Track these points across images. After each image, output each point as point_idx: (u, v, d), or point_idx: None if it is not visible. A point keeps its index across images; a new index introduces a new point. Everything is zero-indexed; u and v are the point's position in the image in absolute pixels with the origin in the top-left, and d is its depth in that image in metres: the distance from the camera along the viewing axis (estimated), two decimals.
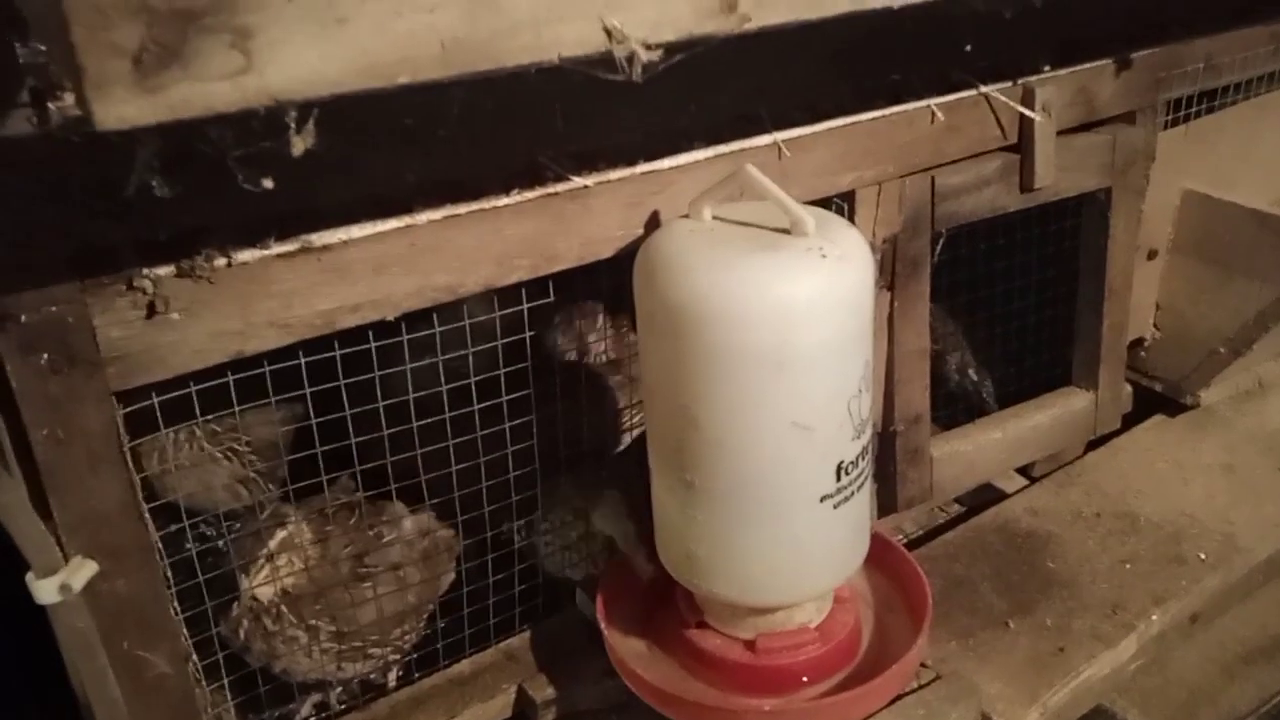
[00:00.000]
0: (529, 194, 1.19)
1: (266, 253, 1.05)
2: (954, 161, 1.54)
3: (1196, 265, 1.93)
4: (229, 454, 1.40)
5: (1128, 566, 1.64)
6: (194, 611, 1.21)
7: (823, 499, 1.20)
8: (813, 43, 1.08)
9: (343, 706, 1.43)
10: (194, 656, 1.19)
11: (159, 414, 1.11)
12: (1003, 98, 1.54)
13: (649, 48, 0.84)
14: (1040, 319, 1.89)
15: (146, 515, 1.09)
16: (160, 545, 1.12)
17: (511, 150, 1.16)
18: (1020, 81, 1.56)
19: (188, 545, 1.23)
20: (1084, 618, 1.54)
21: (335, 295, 1.10)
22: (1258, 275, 1.85)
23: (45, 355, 0.96)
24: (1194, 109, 1.84)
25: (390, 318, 1.15)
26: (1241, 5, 1.81)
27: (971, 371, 1.93)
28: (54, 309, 0.96)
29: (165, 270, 1.00)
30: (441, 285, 1.17)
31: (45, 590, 1.01)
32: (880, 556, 1.43)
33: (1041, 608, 1.56)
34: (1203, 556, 1.65)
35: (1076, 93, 1.64)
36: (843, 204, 1.46)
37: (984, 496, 1.85)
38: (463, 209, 1.15)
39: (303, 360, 1.15)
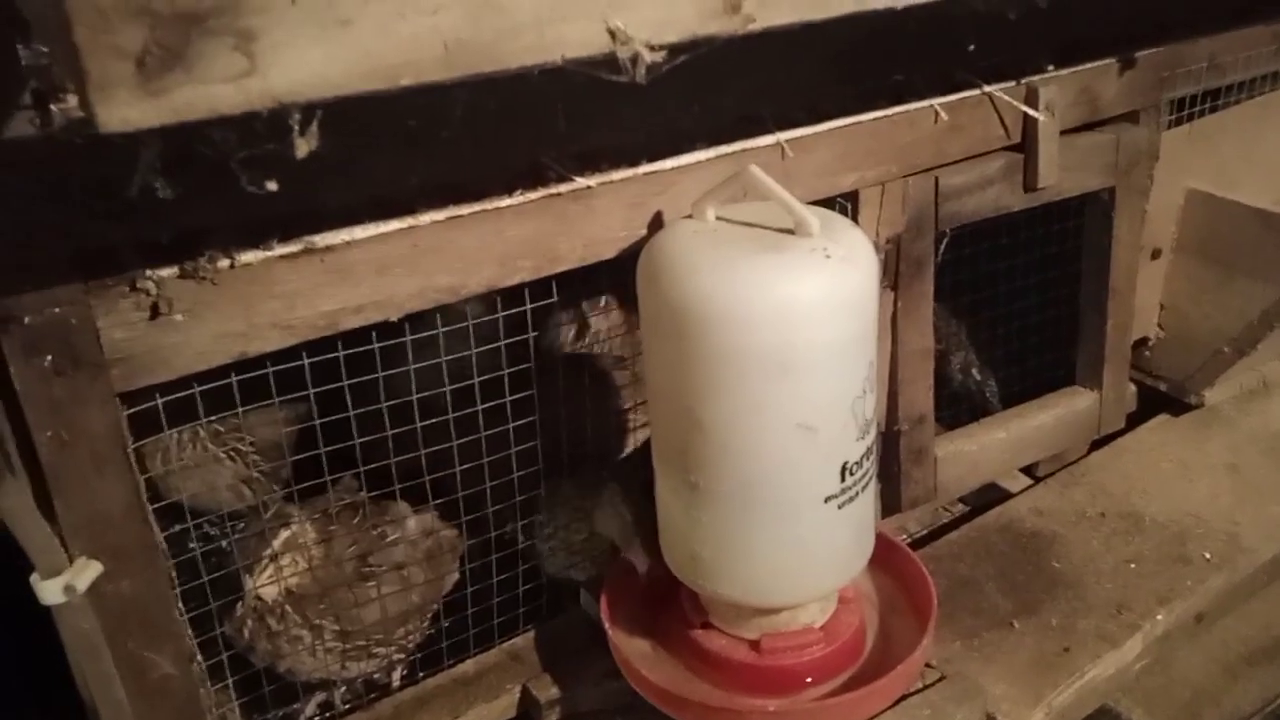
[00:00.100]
0: (531, 195, 1.19)
1: (269, 254, 1.05)
2: (957, 161, 1.54)
3: (1200, 265, 1.92)
4: (232, 454, 1.40)
5: (1132, 566, 1.63)
6: (198, 612, 1.21)
7: (827, 499, 1.20)
8: (816, 43, 1.07)
9: (347, 706, 1.43)
10: (198, 657, 1.19)
11: (163, 415, 1.11)
12: (1006, 97, 1.54)
13: (653, 49, 0.84)
14: (1044, 319, 1.89)
15: (151, 516, 1.09)
16: (165, 546, 1.12)
17: (514, 151, 1.16)
18: (1024, 81, 1.56)
19: (191, 546, 1.24)
20: (1089, 618, 1.53)
21: (338, 296, 1.10)
22: (1261, 275, 1.85)
23: (49, 357, 0.97)
24: (1197, 108, 1.84)
25: (393, 319, 1.15)
26: (1245, 5, 1.80)
27: (975, 371, 1.92)
28: (57, 311, 0.96)
29: (168, 271, 1.01)
30: (444, 286, 1.17)
31: (50, 591, 1.01)
32: (885, 557, 1.43)
33: (1046, 608, 1.55)
34: (1208, 556, 1.65)
35: (1080, 92, 1.63)
36: (846, 204, 1.46)
37: (988, 496, 1.85)
38: (465, 210, 1.15)
39: (306, 361, 1.15)
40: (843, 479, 1.20)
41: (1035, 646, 1.49)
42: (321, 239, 1.08)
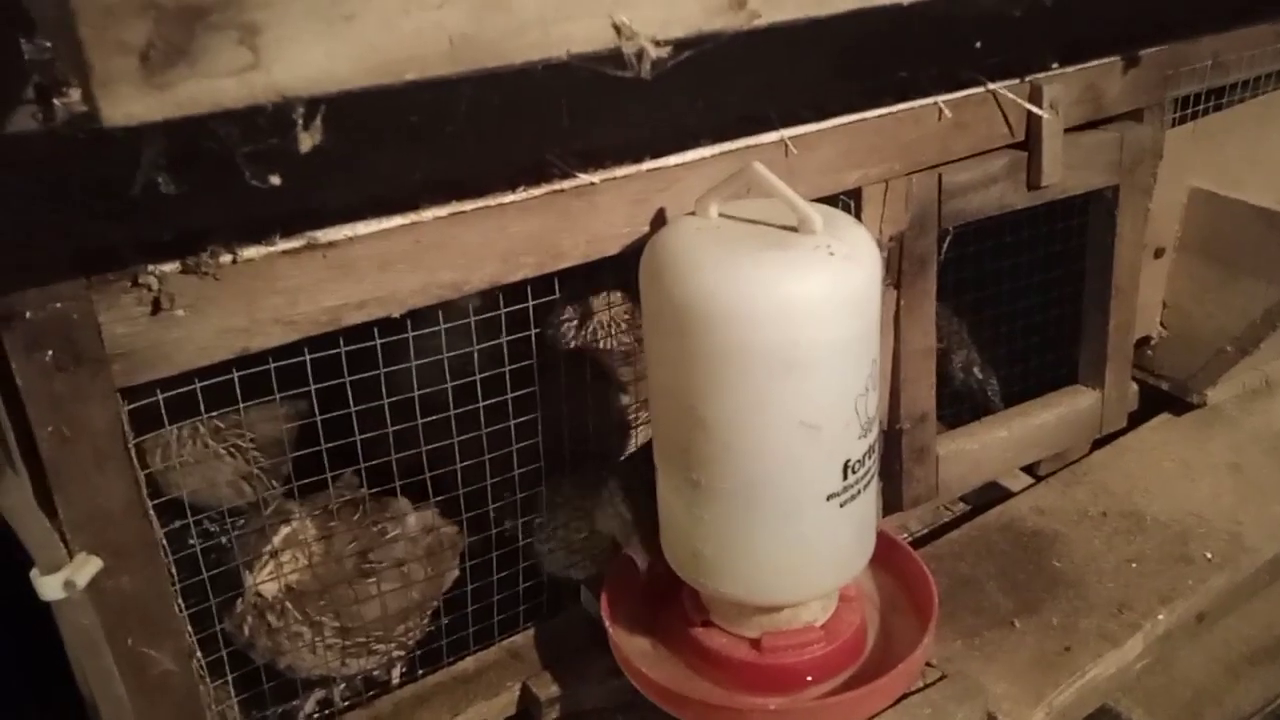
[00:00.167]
0: (535, 191, 1.19)
1: (272, 249, 1.05)
2: (961, 159, 1.54)
3: (1203, 264, 1.92)
4: (233, 450, 1.40)
5: (1134, 566, 1.63)
6: (198, 608, 1.21)
7: (829, 498, 1.19)
8: (821, 39, 1.07)
9: (346, 703, 1.42)
10: (198, 653, 1.19)
11: (163, 411, 1.11)
12: (1010, 95, 1.54)
13: (658, 44, 0.83)
14: (1046, 317, 1.89)
15: (151, 512, 1.09)
16: (165, 542, 1.12)
17: (518, 147, 1.16)
18: (1028, 79, 1.56)
19: (191, 542, 1.23)
20: (1090, 617, 1.53)
21: (340, 292, 1.10)
22: (1265, 274, 1.84)
23: (50, 352, 0.96)
24: (1201, 107, 1.83)
25: (396, 315, 1.15)
26: (1249, 3, 1.80)
27: (977, 370, 1.92)
28: (59, 306, 0.96)
29: (170, 267, 1.00)
30: (447, 282, 1.17)
31: (50, 587, 1.01)
32: (886, 555, 1.43)
33: (1047, 607, 1.55)
34: (1209, 556, 1.65)
35: (1084, 90, 1.63)
36: (849, 201, 1.46)
37: (990, 495, 1.85)
38: (468, 206, 1.15)
39: (308, 357, 1.15)
40: (845, 477, 1.20)
41: (1036, 645, 1.49)
42: (324, 234, 1.07)
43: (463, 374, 1.30)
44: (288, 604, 1.30)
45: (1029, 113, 1.56)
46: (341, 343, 1.16)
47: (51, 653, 1.12)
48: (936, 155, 1.50)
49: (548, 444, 1.41)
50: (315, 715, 1.42)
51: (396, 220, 1.11)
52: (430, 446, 1.30)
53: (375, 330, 1.17)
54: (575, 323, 1.57)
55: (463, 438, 1.32)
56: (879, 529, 1.35)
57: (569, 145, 1.20)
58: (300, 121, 0.72)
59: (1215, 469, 1.85)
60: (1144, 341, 1.98)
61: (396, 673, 1.46)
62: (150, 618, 1.10)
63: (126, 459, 1.04)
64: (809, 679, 1.31)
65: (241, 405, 1.15)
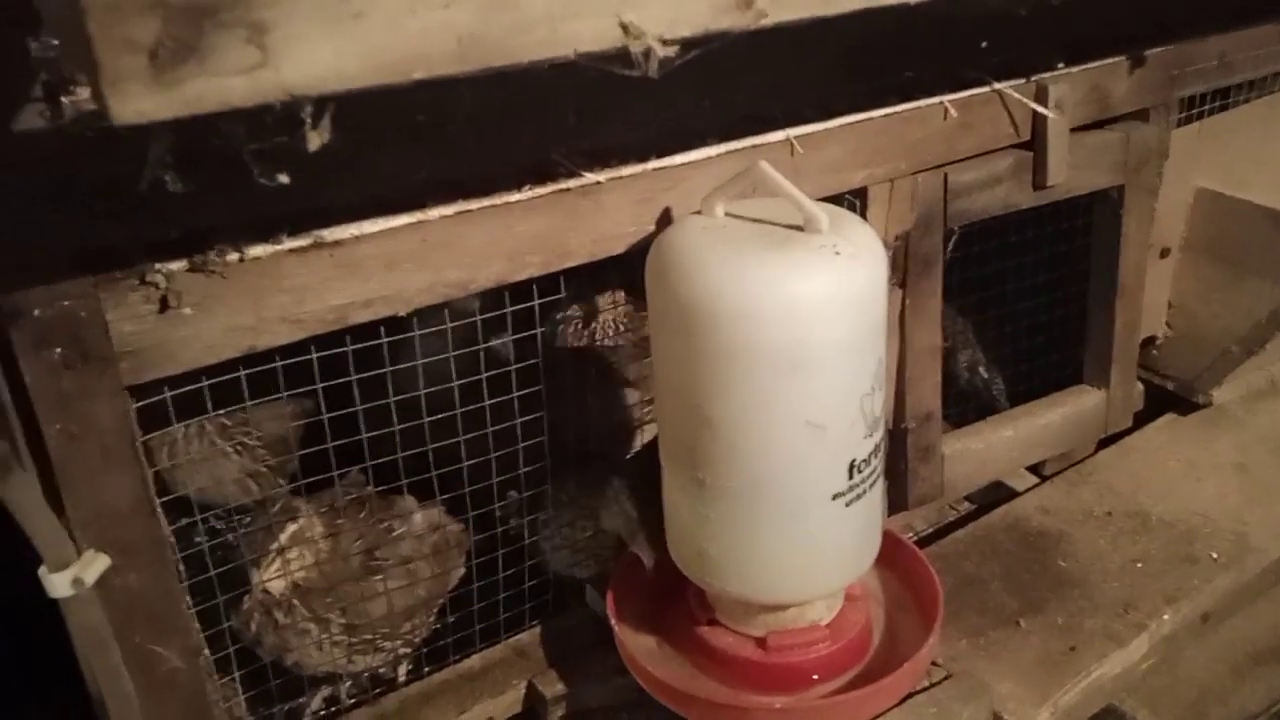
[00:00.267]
0: (541, 190, 1.19)
1: (279, 248, 1.05)
2: (967, 158, 1.54)
3: (1209, 264, 1.92)
4: (239, 448, 1.40)
5: (1139, 566, 1.63)
6: (205, 606, 1.21)
7: (835, 497, 1.19)
8: (827, 39, 1.07)
9: (352, 701, 1.43)
10: (205, 650, 1.19)
11: (171, 409, 1.11)
12: (1016, 94, 1.53)
13: (665, 43, 0.83)
14: (1052, 317, 1.88)
15: (159, 510, 1.09)
16: (172, 540, 1.12)
17: (524, 146, 1.16)
18: (1034, 78, 1.56)
19: (198, 539, 1.24)
20: (1095, 617, 1.53)
21: (347, 291, 1.10)
22: (1270, 274, 1.84)
23: (58, 350, 0.97)
24: (1207, 107, 1.83)
25: (402, 313, 1.15)
26: (1255, 3, 1.79)
27: (982, 369, 1.92)
28: (67, 304, 0.96)
29: (178, 265, 1.00)
30: (453, 281, 1.17)
31: (58, 584, 1.01)
32: (891, 555, 1.43)
33: (1053, 607, 1.55)
34: (1215, 556, 1.65)
35: (1090, 90, 1.63)
36: (855, 201, 1.46)
37: (995, 495, 1.85)
38: (474, 205, 1.15)
39: (314, 355, 1.15)
40: (850, 477, 1.20)
41: (1041, 645, 1.49)
42: (330, 233, 1.07)
43: (468, 373, 1.30)
44: (295, 601, 1.30)
45: (1035, 112, 1.56)
46: (348, 341, 1.16)
47: (51, 653, 1.13)
48: (942, 155, 1.50)
49: (553, 442, 1.41)
50: (321, 712, 1.43)
51: (403, 219, 1.11)
52: (436, 445, 1.30)
53: (381, 329, 1.17)
54: (578, 322, 1.58)
55: (468, 436, 1.32)
56: (884, 528, 1.35)
57: (575, 144, 1.21)
58: (308, 120, 0.73)
59: (1221, 469, 1.84)
60: (1149, 341, 1.98)
61: (402, 670, 1.46)
62: (158, 615, 1.10)
63: (134, 457, 1.05)
64: (814, 678, 1.31)
65: (248, 403, 1.15)
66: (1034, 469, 1.89)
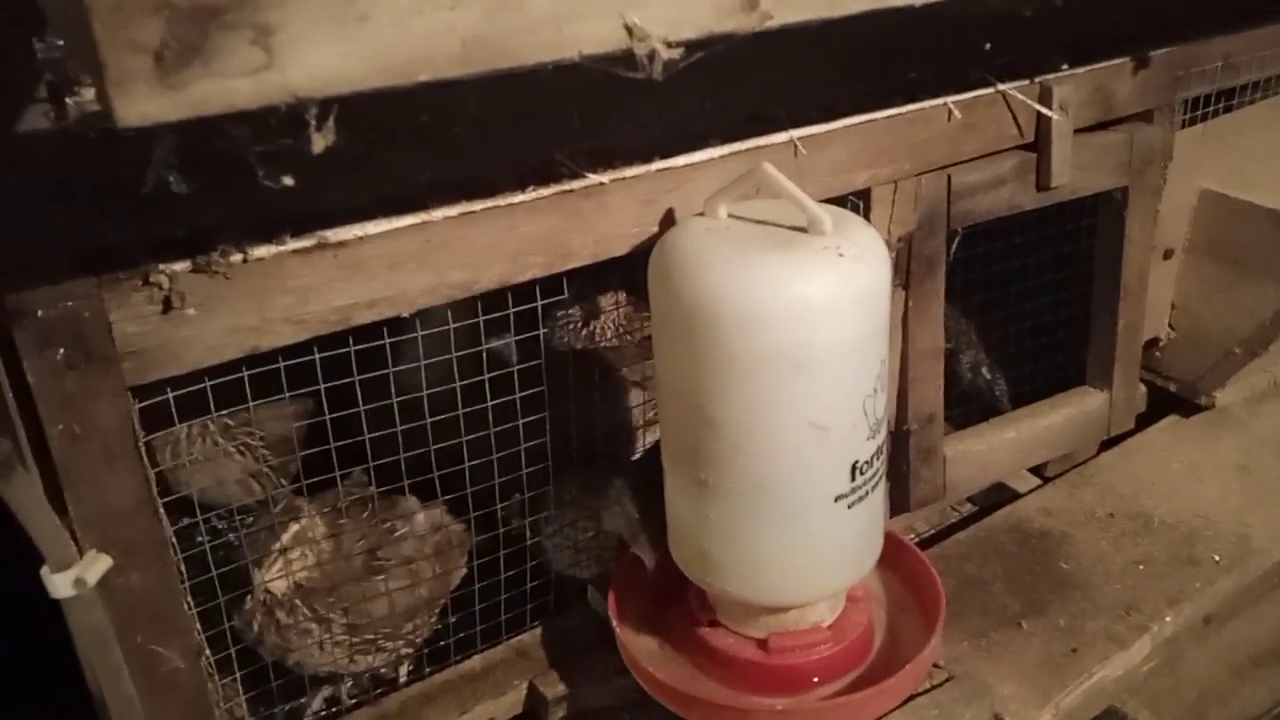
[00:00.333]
0: (544, 191, 1.19)
1: (282, 248, 1.05)
2: (970, 160, 1.54)
3: (1212, 265, 1.92)
4: (242, 449, 1.41)
5: (1141, 567, 1.63)
6: (207, 606, 1.21)
7: (837, 499, 1.19)
8: (832, 40, 1.07)
9: (353, 701, 1.43)
10: (207, 651, 1.19)
11: (173, 409, 1.11)
12: (1020, 96, 1.53)
13: (670, 45, 0.83)
14: (1055, 318, 1.88)
15: (161, 510, 1.09)
16: (174, 540, 1.12)
17: (527, 148, 1.16)
18: (1038, 80, 1.55)
19: (200, 539, 1.24)
20: (1097, 619, 1.53)
21: (350, 291, 1.10)
22: (1274, 276, 1.84)
23: (61, 350, 0.96)
24: (1212, 108, 1.83)
25: (405, 314, 1.15)
26: (1260, 4, 1.79)
27: (985, 370, 1.92)
28: (70, 304, 0.96)
29: (181, 266, 1.00)
30: (456, 282, 1.17)
31: (60, 584, 1.01)
32: (893, 556, 1.43)
33: (1054, 608, 1.55)
34: (1217, 558, 1.64)
35: (1094, 91, 1.63)
36: (858, 202, 1.46)
37: (997, 496, 1.85)
38: (478, 206, 1.15)
39: (317, 356, 1.15)
40: (853, 478, 1.20)
41: (1043, 647, 1.49)
42: (334, 234, 1.07)
43: (470, 374, 1.30)
44: (296, 601, 1.30)
45: (1038, 114, 1.56)
46: (351, 342, 1.16)
47: (51, 653, 1.13)
48: (946, 156, 1.50)
49: (554, 443, 1.41)
50: (323, 712, 1.43)
51: (406, 220, 1.11)
52: (439, 445, 1.30)
53: (385, 329, 1.17)
54: (579, 322, 1.58)
55: (470, 437, 1.32)
56: (886, 529, 1.35)
57: (578, 145, 1.20)
58: (313, 122, 0.72)
59: (1223, 471, 1.84)
60: (1152, 343, 1.98)
61: (404, 670, 1.46)
62: (159, 615, 1.10)
63: (137, 457, 1.05)
64: (816, 680, 1.31)
65: (251, 403, 1.15)
66: (1036, 470, 1.89)
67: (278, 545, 1.29)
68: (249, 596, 1.28)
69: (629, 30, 0.82)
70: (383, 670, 1.43)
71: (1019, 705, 1.39)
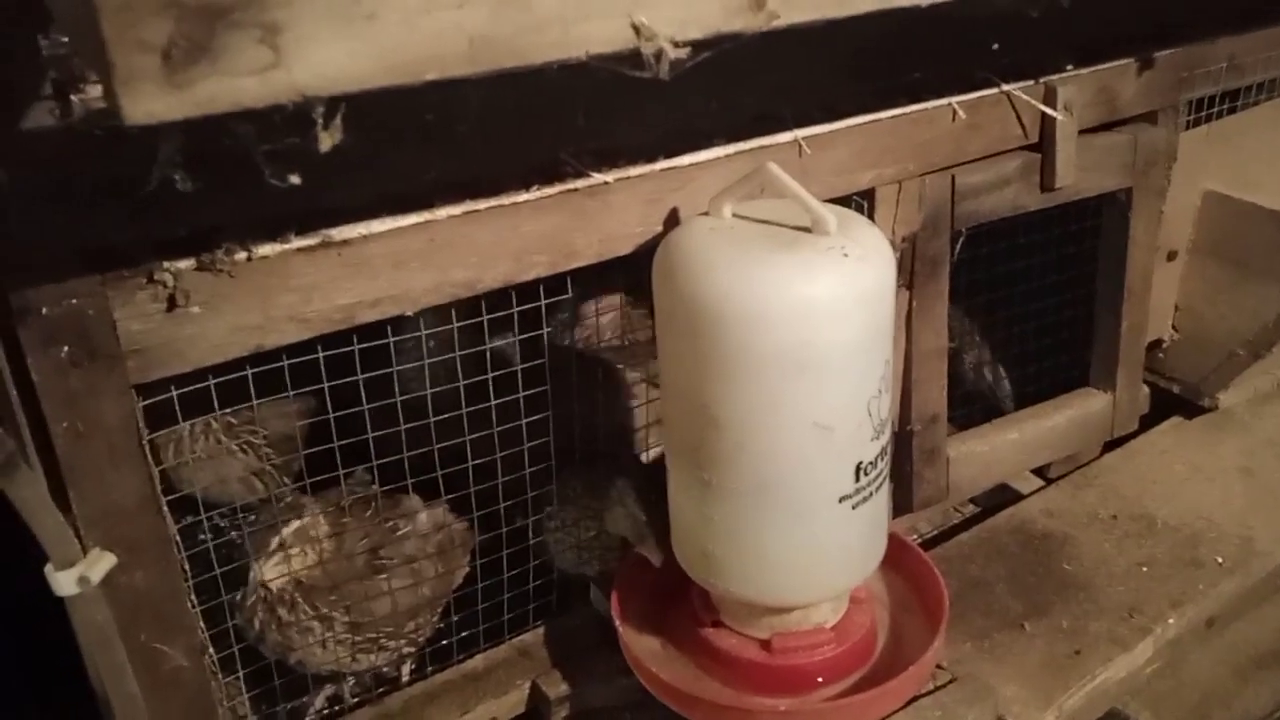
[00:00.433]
0: (548, 190, 1.19)
1: (287, 247, 1.05)
2: (974, 160, 1.53)
3: (1216, 266, 1.91)
4: (245, 447, 1.41)
5: (1144, 569, 1.63)
6: (210, 604, 1.21)
7: (841, 499, 1.19)
8: (837, 40, 1.07)
9: (356, 700, 1.43)
10: (210, 649, 1.19)
11: (177, 407, 1.11)
12: (1024, 96, 1.53)
13: (677, 45, 0.83)
14: (1058, 319, 1.88)
15: (165, 508, 1.09)
16: (178, 538, 1.12)
17: (532, 146, 1.16)
18: (1042, 80, 1.55)
19: (202, 537, 1.24)
20: (1100, 620, 1.53)
21: (354, 290, 1.10)
22: (1277, 277, 1.84)
23: (66, 348, 0.96)
24: (1216, 109, 1.83)
25: (409, 313, 1.15)
26: (1265, 5, 1.79)
27: (988, 371, 1.92)
28: (74, 302, 0.96)
29: (186, 263, 1.00)
30: (460, 281, 1.16)
31: (64, 582, 1.01)
32: (896, 557, 1.43)
33: (1057, 610, 1.55)
34: (1220, 560, 1.64)
35: (1098, 92, 1.62)
36: (862, 202, 1.46)
37: (1000, 497, 1.84)
38: (482, 205, 1.15)
39: (321, 354, 1.15)
40: (857, 479, 1.19)
41: (1046, 649, 1.48)
42: (338, 232, 1.07)
43: (473, 373, 1.30)
44: (298, 598, 1.30)
45: (1043, 114, 1.56)
46: (355, 340, 1.16)
47: (52, 652, 1.13)
48: (950, 156, 1.50)
49: (557, 442, 1.41)
50: (325, 711, 1.43)
51: (411, 219, 1.11)
52: (442, 445, 1.30)
53: (388, 328, 1.17)
54: (583, 322, 1.58)
55: (474, 436, 1.32)
56: (890, 531, 1.35)
57: (583, 144, 1.20)
58: (320, 121, 0.72)
59: (1226, 473, 1.84)
60: (1156, 344, 1.98)
61: (406, 669, 1.46)
62: (163, 613, 1.10)
63: (140, 455, 1.04)
64: (819, 680, 1.31)
65: (254, 401, 1.15)
66: (1039, 472, 1.89)
67: (277, 539, 1.29)
68: (246, 590, 1.28)
69: (636, 30, 0.82)
70: (385, 669, 1.43)
71: (1022, 707, 1.39)
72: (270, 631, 1.30)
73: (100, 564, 1.03)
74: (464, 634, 1.45)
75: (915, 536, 1.79)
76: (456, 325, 1.27)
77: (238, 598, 1.28)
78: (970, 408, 1.90)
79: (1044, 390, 1.88)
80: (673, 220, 1.28)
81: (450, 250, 1.15)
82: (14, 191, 0.89)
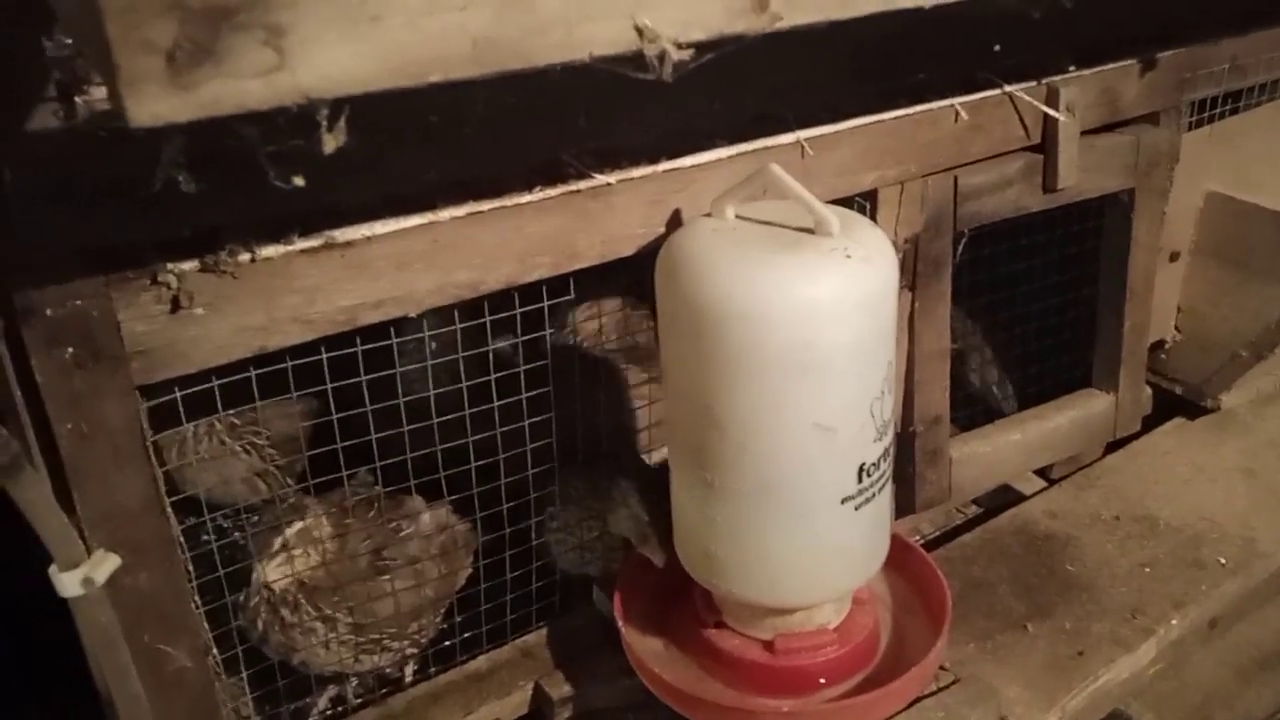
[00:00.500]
0: (551, 191, 1.19)
1: (290, 248, 1.05)
2: (977, 161, 1.53)
3: (1219, 267, 1.91)
4: (248, 448, 1.41)
5: (1147, 570, 1.63)
6: (214, 605, 1.22)
7: (844, 501, 1.19)
8: (840, 41, 1.07)
9: (359, 700, 1.43)
10: (214, 650, 1.19)
11: (181, 408, 1.11)
12: (1027, 97, 1.53)
13: (680, 46, 0.83)
14: (1061, 320, 1.88)
15: (169, 509, 1.09)
16: (182, 539, 1.12)
17: (535, 148, 1.16)
18: (1044, 81, 1.55)
19: (206, 538, 1.24)
20: (1103, 622, 1.53)
21: (358, 291, 1.10)
22: None
23: (70, 350, 0.97)
24: (1219, 110, 1.83)
25: (412, 314, 1.15)
26: (1268, 6, 1.79)
27: (991, 372, 1.92)
28: (78, 303, 0.96)
29: (189, 265, 1.00)
30: (463, 282, 1.17)
31: (68, 583, 1.01)
32: (899, 558, 1.43)
33: (1060, 611, 1.55)
34: (1223, 561, 1.64)
35: (1101, 93, 1.62)
36: (865, 203, 1.46)
37: (1002, 498, 1.84)
38: (485, 206, 1.15)
39: (324, 355, 1.15)
40: (860, 480, 1.19)
41: (1049, 650, 1.48)
42: (342, 234, 1.07)
43: (475, 374, 1.30)
44: (301, 598, 1.30)
45: (1045, 115, 1.56)
46: (358, 341, 1.16)
47: (52, 652, 1.13)
48: (952, 157, 1.50)
49: (560, 443, 1.41)
50: (328, 712, 1.43)
51: (414, 220, 1.11)
52: (445, 446, 1.30)
53: (391, 329, 1.17)
54: (584, 323, 1.58)
55: (476, 437, 1.32)
56: (892, 532, 1.35)
57: (586, 146, 1.21)
58: (324, 123, 0.72)
59: (1229, 474, 1.84)
60: (1158, 345, 1.98)
61: (409, 670, 1.46)
62: (167, 614, 1.10)
63: (144, 456, 1.05)
64: (822, 681, 1.31)
65: (257, 403, 1.15)
66: (1041, 473, 1.89)
67: (280, 539, 1.29)
68: (251, 592, 1.28)
69: (639, 32, 0.82)
70: (388, 670, 1.43)
71: (1024, 708, 1.39)
72: (273, 632, 1.30)
73: (104, 565, 1.03)
74: (467, 635, 1.45)
75: (918, 537, 1.79)
76: (459, 326, 1.27)
77: (241, 599, 1.28)
78: (973, 409, 1.90)
79: (1046, 391, 1.88)
80: (675, 221, 1.28)
81: (453, 251, 1.15)
82: (18, 193, 0.89)
